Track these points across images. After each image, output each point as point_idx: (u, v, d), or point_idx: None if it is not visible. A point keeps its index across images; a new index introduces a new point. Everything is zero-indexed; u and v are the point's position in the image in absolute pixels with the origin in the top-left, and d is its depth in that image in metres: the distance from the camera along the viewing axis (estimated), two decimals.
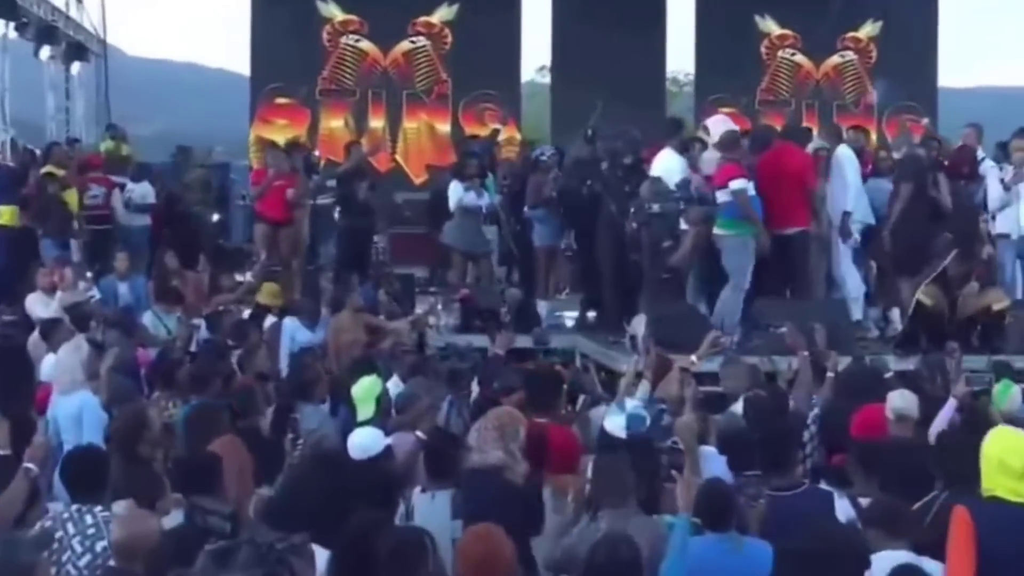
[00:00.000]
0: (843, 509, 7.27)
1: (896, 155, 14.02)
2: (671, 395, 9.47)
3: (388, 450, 8.23)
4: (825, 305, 12.66)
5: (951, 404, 9.15)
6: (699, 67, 25.90)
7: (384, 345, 12.71)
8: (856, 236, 13.50)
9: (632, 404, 8.43)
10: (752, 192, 12.27)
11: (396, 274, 16.38)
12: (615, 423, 8.24)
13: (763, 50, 25.53)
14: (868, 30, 25.56)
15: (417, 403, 9.37)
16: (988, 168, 13.91)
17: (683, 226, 12.57)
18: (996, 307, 12.45)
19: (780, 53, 25.57)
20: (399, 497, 7.53)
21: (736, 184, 12.25)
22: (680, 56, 26.40)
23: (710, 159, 12.98)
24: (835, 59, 25.65)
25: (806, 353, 10.08)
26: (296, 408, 9.38)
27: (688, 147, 13.23)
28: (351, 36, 24.41)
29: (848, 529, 6.53)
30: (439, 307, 14.10)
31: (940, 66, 25.99)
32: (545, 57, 26.52)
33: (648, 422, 8.33)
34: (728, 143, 12.59)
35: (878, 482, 7.43)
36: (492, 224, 15.68)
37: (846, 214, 13.34)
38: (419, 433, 8.73)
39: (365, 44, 24.47)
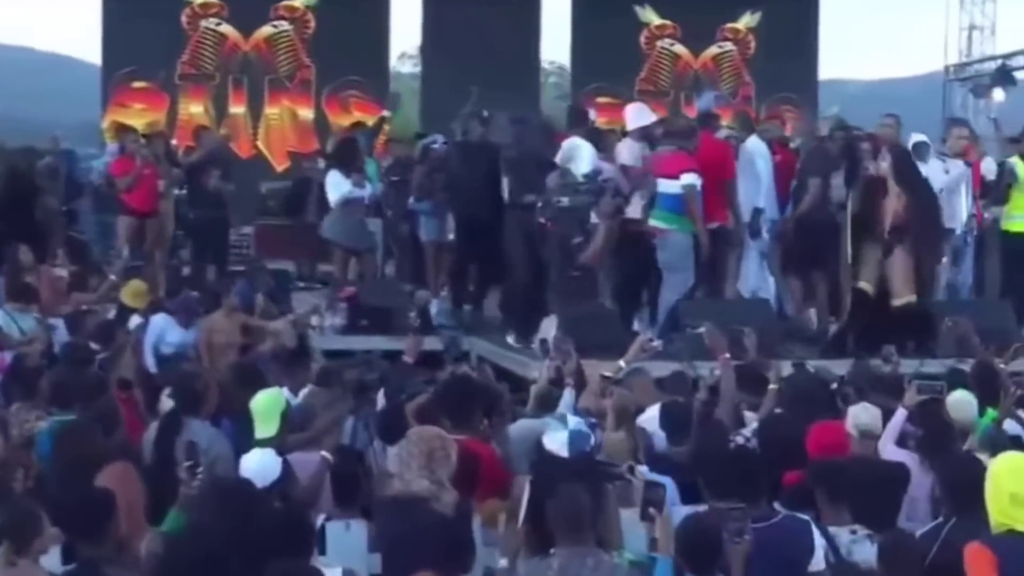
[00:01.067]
0: (820, 541, 6.57)
1: (793, 146, 13.11)
2: (590, 407, 8.72)
3: (288, 473, 7.35)
4: (751, 305, 11.79)
5: (901, 415, 8.43)
6: (575, 56, 25.49)
7: (264, 348, 11.63)
8: (765, 235, 12.65)
9: (574, 419, 7.47)
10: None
11: (270, 270, 15.16)
12: (556, 440, 7.28)
13: (643, 40, 25.21)
14: (747, 21, 25.32)
15: (318, 418, 8.46)
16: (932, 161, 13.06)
17: (593, 219, 11.56)
18: (896, 303, 11.60)
19: (660, 43, 25.29)
20: (314, 539, 6.48)
21: (689, 178, 11.52)
22: (556, 45, 25.73)
23: (628, 148, 12.07)
24: (714, 50, 25.43)
25: (727, 356, 9.19)
26: (183, 425, 8.27)
27: (599, 136, 12.27)
28: (211, 20, 23.68)
29: None
30: (323, 307, 12.97)
31: (821, 57, 25.99)
32: (414, 44, 25.84)
33: (593, 440, 7.40)
34: (683, 132, 11.90)
35: (848, 508, 7.03)
36: (375, 217, 14.53)
37: (756, 210, 12.50)
38: (324, 453, 7.80)
39: (226, 28, 23.75)
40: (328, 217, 13.93)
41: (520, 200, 11.57)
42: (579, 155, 11.60)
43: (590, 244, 11.32)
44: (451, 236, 14.20)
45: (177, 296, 12.99)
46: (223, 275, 14.50)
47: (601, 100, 24.01)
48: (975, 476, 6.22)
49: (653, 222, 11.74)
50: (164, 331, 12.07)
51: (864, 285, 11.64)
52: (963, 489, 6.39)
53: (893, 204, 11.52)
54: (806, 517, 6.73)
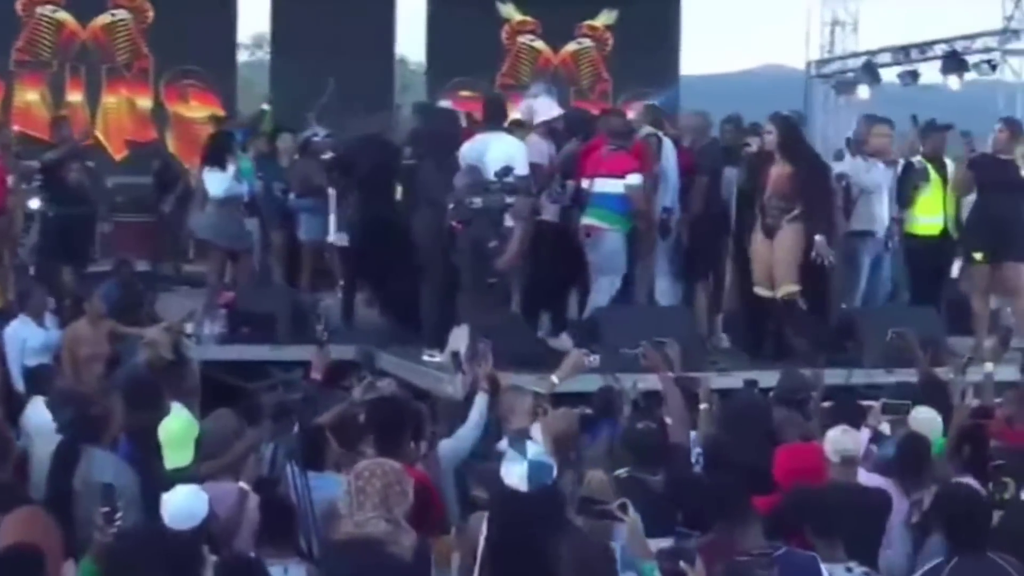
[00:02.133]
0: None
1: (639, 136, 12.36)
2: (519, 428, 7.88)
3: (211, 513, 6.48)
4: (671, 314, 11.09)
5: (865, 436, 7.93)
6: (431, 52, 24.74)
7: (140, 360, 10.63)
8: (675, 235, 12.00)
9: (534, 448, 6.68)
10: None
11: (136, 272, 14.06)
12: (514, 472, 6.49)
13: (503, 36, 24.73)
14: (604, 19, 24.99)
15: (232, 444, 7.62)
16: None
17: (507, 222, 10.74)
18: (781, 293, 11.01)
19: (520, 39, 24.84)
20: None
21: (635, 179, 10.94)
22: (413, 40, 25.06)
23: (536, 145, 11.34)
24: (572, 46, 25.03)
25: (670, 374, 8.48)
26: (82, 454, 7.30)
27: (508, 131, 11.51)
28: (48, 6, 22.47)
29: None
30: (199, 312, 11.96)
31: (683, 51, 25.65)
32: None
33: (555, 471, 6.64)
34: (621, 131, 11.27)
35: (842, 543, 6.47)
36: (252, 216, 13.47)
37: (666, 210, 11.83)
38: (243, 484, 7.02)
39: (62, 15, 22.57)
40: (203, 215, 12.86)
41: (430, 199, 10.69)
42: (512, 152, 10.77)
43: (506, 248, 10.49)
44: (331, 238, 13.31)
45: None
46: (82, 277, 13.39)
47: (464, 94, 23.48)
48: (975, 508, 6.11)
49: (588, 220, 11.09)
50: (25, 337, 11.04)
51: (760, 290, 11.03)
52: (964, 523, 6.17)
53: (777, 173, 10.99)
54: (812, 554, 6.21)
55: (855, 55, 25.00)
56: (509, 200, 10.12)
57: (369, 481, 6.17)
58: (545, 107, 11.64)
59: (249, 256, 13.01)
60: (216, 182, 12.65)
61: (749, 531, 6.20)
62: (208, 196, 12.62)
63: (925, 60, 23.09)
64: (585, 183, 11.25)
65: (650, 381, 9.10)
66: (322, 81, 18.19)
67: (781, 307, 11.04)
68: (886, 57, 24.13)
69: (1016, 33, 21.75)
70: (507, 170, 10.31)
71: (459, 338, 10.06)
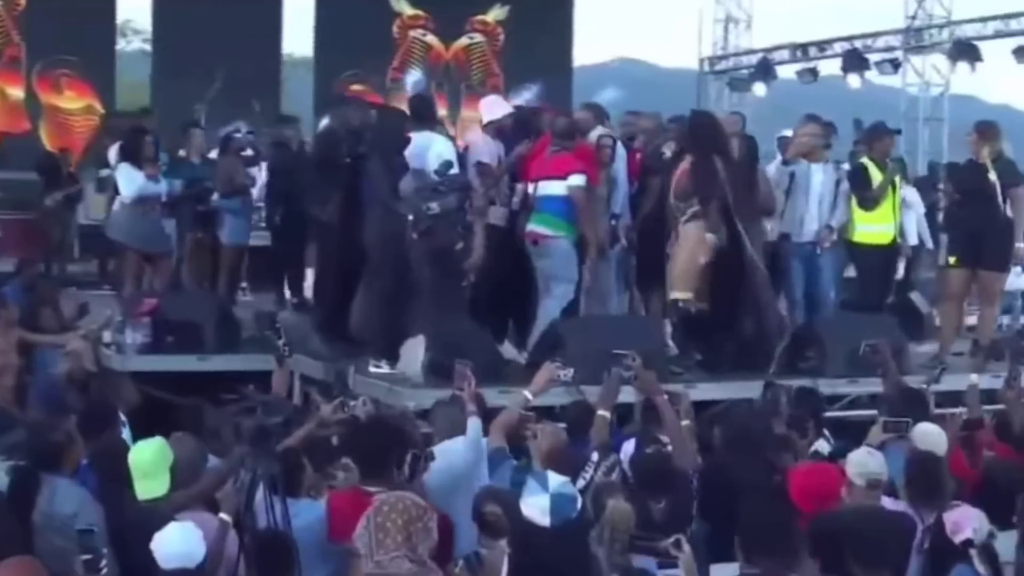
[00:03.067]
0: None
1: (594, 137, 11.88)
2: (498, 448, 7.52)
3: None
4: (636, 324, 10.60)
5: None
6: (319, 45, 24.10)
7: (60, 371, 9.90)
8: (623, 242, 11.53)
9: (556, 479, 6.17)
10: None
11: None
12: (536, 506, 5.99)
13: (395, 30, 24.36)
14: (496, 14, 24.81)
15: (200, 470, 6.95)
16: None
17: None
18: (674, 295, 10.58)
19: (412, 33, 24.47)
20: None
21: (576, 179, 10.37)
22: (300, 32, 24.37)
23: (485, 144, 10.86)
24: (464, 41, 24.75)
25: (665, 396, 7.99)
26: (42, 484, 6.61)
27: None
28: None
29: None
30: (117, 318, 11.19)
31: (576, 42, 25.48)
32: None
33: (579, 502, 6.13)
34: (566, 131, 10.70)
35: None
36: (170, 217, 12.69)
37: (614, 216, 11.36)
38: (224, 516, 6.31)
39: None
40: (115, 214, 12.08)
41: (378, 201, 10.07)
42: (441, 150, 10.20)
43: (473, 249, 9.94)
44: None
45: None
46: None
47: (356, 88, 22.93)
48: None
49: (533, 227, 10.53)
50: None
51: (679, 295, 10.60)
52: None
53: (677, 172, 10.56)
54: None
55: (749, 52, 24.87)
56: (451, 199, 9.58)
57: (389, 517, 5.61)
58: (494, 106, 11.09)
59: (167, 259, 12.24)
60: (128, 181, 11.89)
61: (805, 567, 5.76)
62: (120, 195, 11.87)
63: (824, 58, 23.02)
64: (531, 187, 10.72)
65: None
66: (206, 73, 17.87)
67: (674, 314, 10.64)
68: (784, 55, 24.07)
69: (919, 32, 21.74)
70: (448, 165, 9.80)
71: (415, 349, 9.49)
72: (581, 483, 7.05)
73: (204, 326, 11.22)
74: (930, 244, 14.46)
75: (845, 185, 11.51)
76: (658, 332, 10.32)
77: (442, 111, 23.72)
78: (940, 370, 9.95)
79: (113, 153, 13.40)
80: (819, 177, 11.49)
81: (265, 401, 7.47)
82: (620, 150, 11.37)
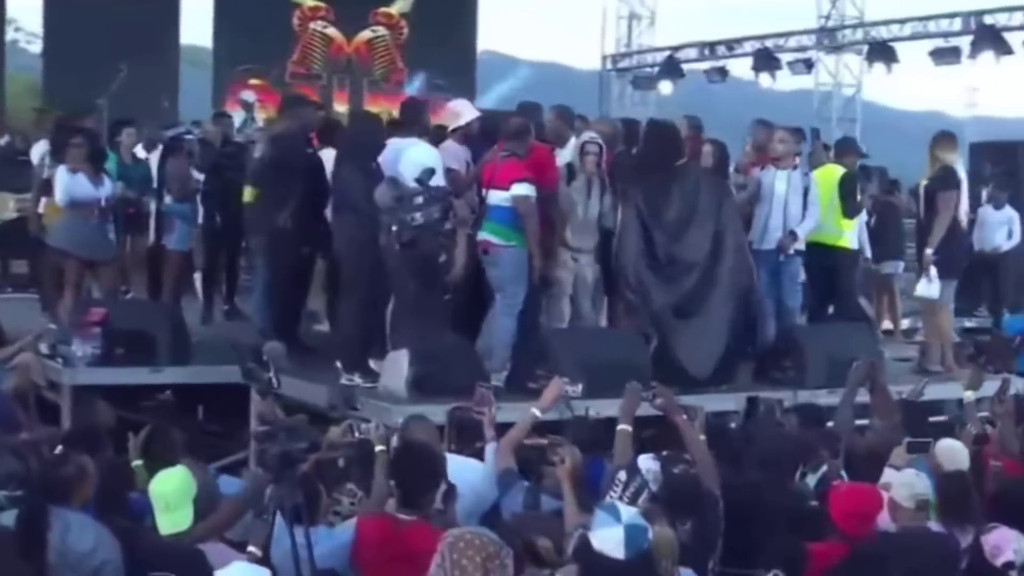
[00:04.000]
0: None
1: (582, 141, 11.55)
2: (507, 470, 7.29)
3: None
4: (622, 338, 10.32)
5: None
6: (218, 36, 23.75)
7: (7, 387, 9.31)
8: None
9: (627, 511, 5.89)
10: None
11: None
12: (609, 539, 5.71)
13: (295, 21, 24.01)
14: (399, 6, 24.59)
15: (216, 500, 6.76)
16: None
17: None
18: None
19: (312, 25, 24.10)
20: None
21: (521, 189, 9.94)
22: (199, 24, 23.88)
23: (452, 150, 10.43)
24: (367, 34, 24.42)
25: (684, 416, 7.75)
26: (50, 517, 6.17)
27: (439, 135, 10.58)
28: None
29: None
30: (51, 326, 10.63)
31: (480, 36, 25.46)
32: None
33: (650, 533, 5.87)
34: (518, 133, 10.18)
35: None
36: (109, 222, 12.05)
37: None
38: (253, 549, 6.01)
39: None
40: (57, 220, 11.49)
41: (352, 208, 9.67)
42: (424, 159, 9.83)
43: (454, 260, 9.59)
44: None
45: None
46: None
47: (253, 83, 22.46)
48: None
49: (483, 235, 10.15)
50: None
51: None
52: None
53: None
54: None
55: (654, 50, 24.80)
56: (434, 210, 9.24)
57: (466, 554, 5.32)
58: (461, 110, 10.73)
59: (110, 267, 11.67)
60: (65, 185, 11.34)
61: None
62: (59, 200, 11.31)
63: (733, 57, 23.02)
64: (484, 194, 10.39)
65: (604, 408, 8.49)
66: (102, 68, 17.13)
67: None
68: (691, 53, 24.01)
69: (832, 33, 21.82)
70: (429, 172, 9.42)
71: (398, 364, 9.13)
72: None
73: (156, 336, 10.69)
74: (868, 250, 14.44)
75: (815, 192, 11.28)
76: (644, 345, 10.03)
77: (342, 107, 23.48)
78: (924, 383, 9.84)
79: (38, 151, 12.83)
80: (783, 184, 11.29)
81: (289, 427, 7.03)
82: None
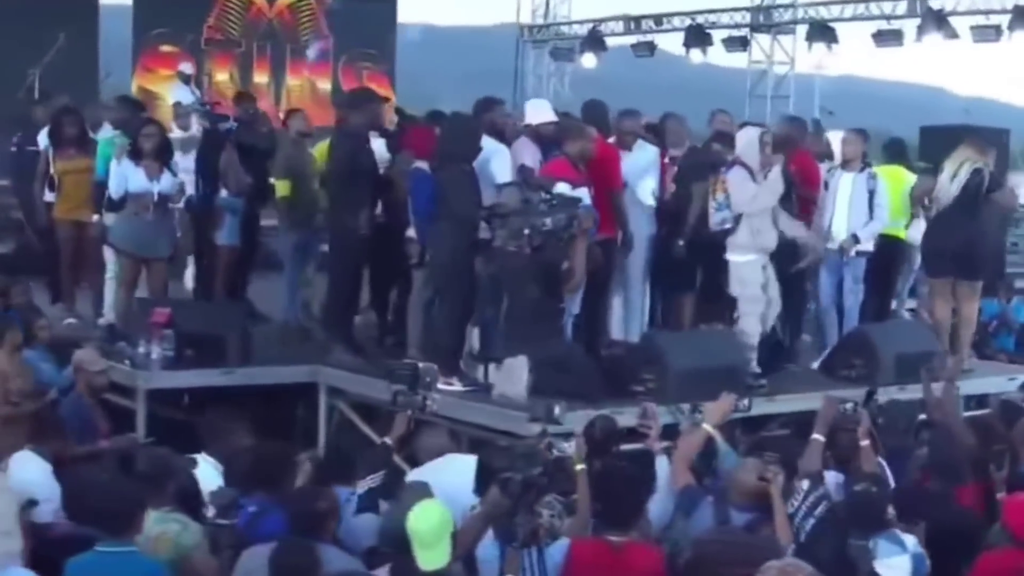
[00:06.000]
0: None
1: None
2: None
3: None
4: (719, 338, 10.38)
5: None
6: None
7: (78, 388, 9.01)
8: None
9: (910, 539, 6.09)
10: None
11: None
12: (898, 568, 5.92)
13: None
14: None
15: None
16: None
17: None
18: None
19: None
20: None
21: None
22: None
23: (527, 148, 10.42)
24: None
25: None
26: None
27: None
28: None
29: None
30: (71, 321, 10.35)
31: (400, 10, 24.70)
32: None
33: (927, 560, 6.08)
34: (573, 132, 10.22)
35: None
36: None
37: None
38: None
39: None
40: (117, 216, 11.06)
41: (453, 214, 9.65)
42: (496, 162, 9.86)
43: (575, 269, 9.62)
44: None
45: None
46: None
47: (166, 49, 21.77)
48: None
49: None
50: None
51: None
52: None
53: None
54: None
55: (577, 22, 24.63)
56: (562, 217, 9.29)
57: None
58: (537, 110, 10.70)
59: (163, 264, 11.23)
60: (121, 178, 10.96)
61: None
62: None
63: (661, 32, 23.07)
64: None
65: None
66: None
67: None
68: (617, 26, 23.90)
69: (768, 11, 22.03)
70: (552, 182, 9.53)
71: (515, 372, 9.16)
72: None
73: (224, 336, 10.51)
74: None
75: (882, 195, 11.39)
76: (739, 345, 10.17)
77: (263, 77, 22.96)
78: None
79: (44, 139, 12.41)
80: (848, 186, 11.31)
81: (528, 453, 6.99)
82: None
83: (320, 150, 11.56)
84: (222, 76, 22.41)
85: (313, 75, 23.23)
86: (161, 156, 11.02)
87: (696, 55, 21.82)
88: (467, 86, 24.33)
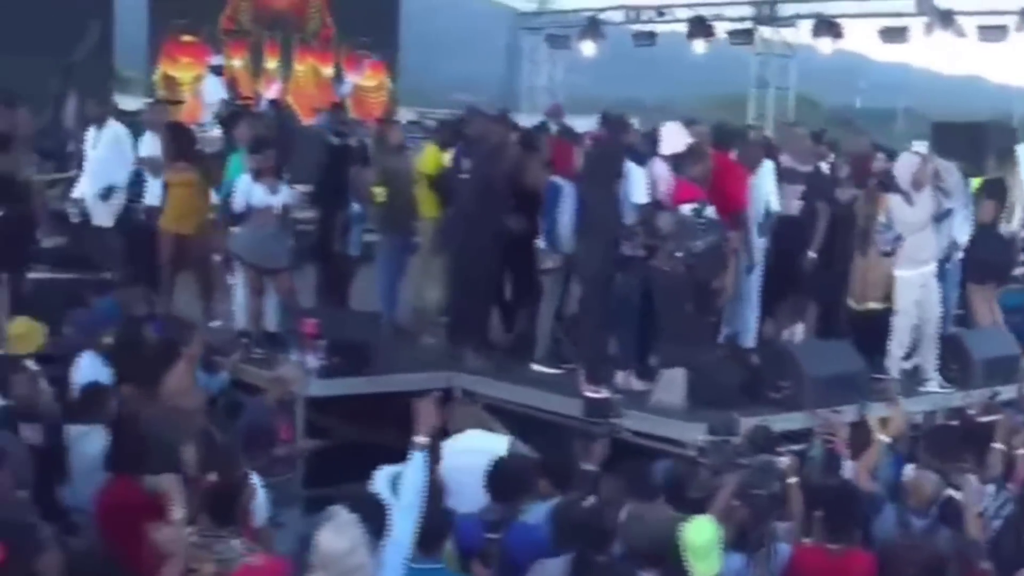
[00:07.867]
0: None
1: None
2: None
3: None
4: (841, 348, 11.04)
5: None
6: None
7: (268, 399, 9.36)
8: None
9: None
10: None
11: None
12: None
13: None
14: None
15: None
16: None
17: None
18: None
19: None
20: None
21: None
22: None
23: (662, 169, 10.78)
24: None
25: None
26: None
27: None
28: None
29: None
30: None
31: None
32: None
33: None
34: (693, 154, 10.67)
35: None
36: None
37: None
38: None
39: None
40: (240, 228, 11.50)
41: (598, 227, 10.31)
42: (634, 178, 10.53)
43: (726, 287, 10.36)
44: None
45: None
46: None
47: (186, 39, 22.12)
48: None
49: None
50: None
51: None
52: None
53: None
54: None
55: (574, 11, 24.77)
56: (713, 238, 10.02)
57: None
58: (674, 136, 11.28)
59: (287, 273, 11.64)
60: (244, 192, 11.39)
61: None
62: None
63: (664, 22, 23.35)
64: None
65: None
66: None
67: None
68: (616, 15, 24.14)
69: (772, 4, 22.37)
70: (703, 205, 10.21)
71: (674, 380, 9.89)
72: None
73: (369, 344, 11.04)
74: None
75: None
76: (858, 354, 10.93)
77: (272, 63, 23.35)
78: None
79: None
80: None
81: (763, 468, 7.62)
82: None
83: (431, 154, 12.17)
84: (238, 62, 22.89)
85: (320, 62, 23.73)
86: (278, 171, 11.45)
87: (699, 45, 22.25)
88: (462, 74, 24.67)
